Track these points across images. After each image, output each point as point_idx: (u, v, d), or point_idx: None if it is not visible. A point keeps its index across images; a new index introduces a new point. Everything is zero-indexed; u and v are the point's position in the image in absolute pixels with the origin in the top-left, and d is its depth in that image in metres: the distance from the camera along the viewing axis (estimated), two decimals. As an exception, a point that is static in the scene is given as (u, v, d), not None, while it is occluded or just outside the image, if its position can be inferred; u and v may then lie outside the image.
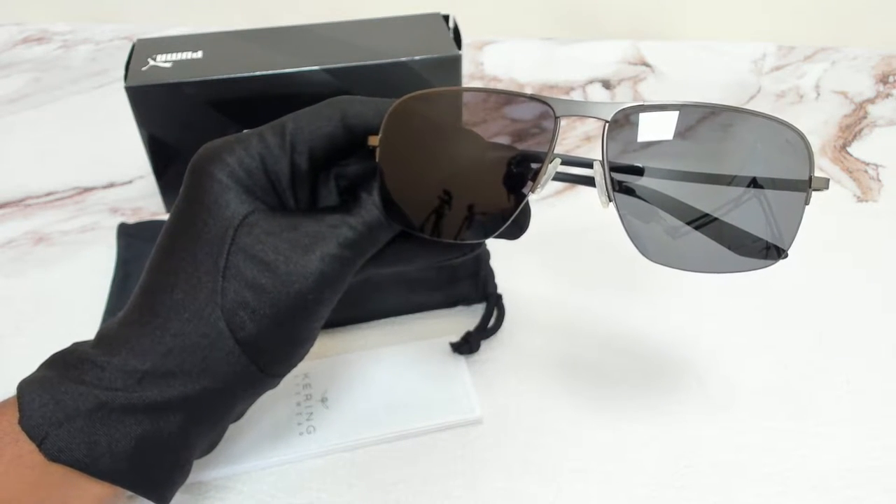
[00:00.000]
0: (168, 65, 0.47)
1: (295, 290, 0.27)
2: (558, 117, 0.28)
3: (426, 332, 0.43)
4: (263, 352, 0.28)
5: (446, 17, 0.52)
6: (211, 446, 0.31)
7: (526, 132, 0.29)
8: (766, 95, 0.66)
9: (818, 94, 0.66)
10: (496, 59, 0.72)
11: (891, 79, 0.68)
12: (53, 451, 0.26)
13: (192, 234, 0.28)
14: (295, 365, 0.30)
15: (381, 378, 0.39)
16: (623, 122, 0.28)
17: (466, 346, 0.40)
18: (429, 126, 0.30)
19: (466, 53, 0.71)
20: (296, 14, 0.78)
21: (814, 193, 0.28)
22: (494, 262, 0.45)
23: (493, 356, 0.41)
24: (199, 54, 0.48)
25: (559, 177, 0.31)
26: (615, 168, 0.28)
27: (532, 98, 0.28)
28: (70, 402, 0.26)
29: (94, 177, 0.57)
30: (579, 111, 0.28)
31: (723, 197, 0.29)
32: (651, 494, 0.34)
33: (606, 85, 0.68)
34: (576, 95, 0.66)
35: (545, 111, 0.28)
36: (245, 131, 0.30)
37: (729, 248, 0.29)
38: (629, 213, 0.29)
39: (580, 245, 0.48)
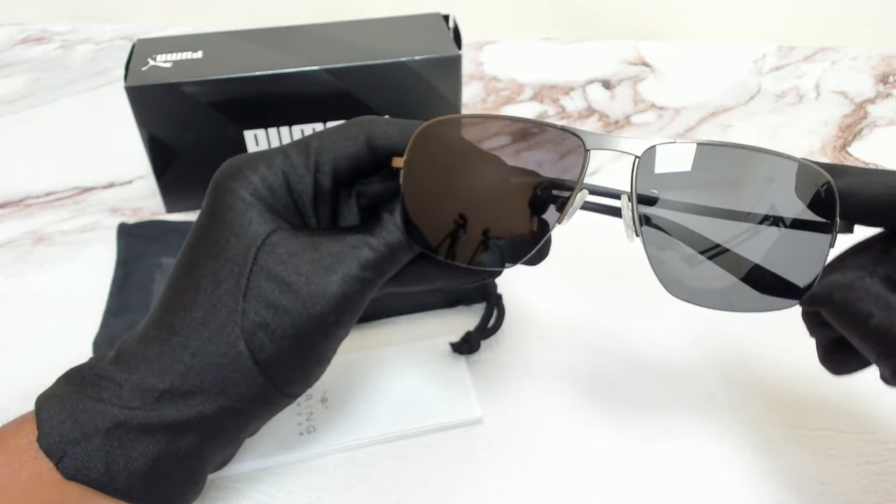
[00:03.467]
0: (168, 65, 0.47)
1: (316, 311, 0.27)
2: (588, 150, 0.28)
3: (426, 332, 0.43)
4: (282, 372, 0.28)
5: (446, 17, 0.52)
6: (224, 462, 0.31)
7: (554, 162, 0.29)
8: (766, 95, 0.66)
9: (818, 94, 0.66)
10: (496, 59, 0.72)
11: (891, 79, 0.68)
12: (70, 469, 0.26)
13: (213, 251, 0.28)
14: (311, 385, 0.30)
15: (381, 378, 0.39)
16: (653, 157, 0.28)
17: (466, 346, 0.40)
18: (454, 150, 0.30)
19: (466, 53, 0.71)
20: (296, 14, 0.78)
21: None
22: (494, 262, 0.45)
23: (493, 356, 0.41)
24: (199, 54, 0.48)
25: (585, 206, 0.31)
26: (643, 201, 0.28)
27: (563, 130, 0.28)
28: (88, 420, 0.26)
29: (94, 177, 0.57)
30: (610, 145, 0.28)
31: (749, 236, 0.29)
32: (651, 494, 0.34)
33: (606, 85, 0.68)
34: (576, 95, 0.66)
35: (575, 143, 0.28)
36: (268, 148, 0.30)
37: (753, 287, 0.29)
38: (655, 247, 0.29)
39: (580, 245, 0.48)
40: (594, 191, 0.30)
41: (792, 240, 0.28)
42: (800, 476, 0.35)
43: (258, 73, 0.46)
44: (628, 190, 0.28)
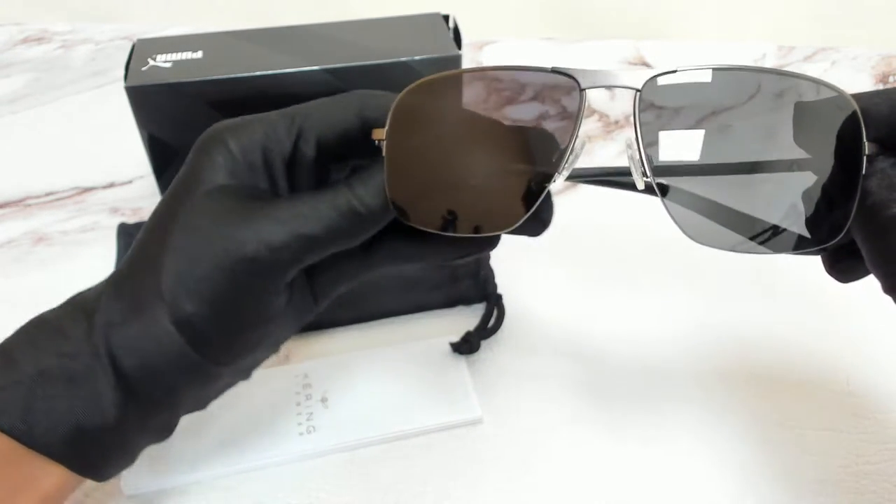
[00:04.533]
0: (168, 65, 0.47)
1: (232, 272, 0.26)
2: (584, 90, 0.26)
3: (426, 332, 0.43)
4: (205, 337, 0.27)
5: (446, 17, 0.52)
6: (165, 433, 0.31)
7: (549, 110, 0.27)
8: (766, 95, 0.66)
9: (818, 94, 0.66)
10: (496, 59, 0.72)
11: (891, 79, 0.68)
12: None
13: (171, 209, 0.28)
14: (245, 356, 0.29)
15: (381, 378, 0.39)
16: (656, 91, 0.26)
17: (466, 346, 0.40)
18: (440, 114, 0.28)
19: (466, 53, 0.71)
20: (296, 14, 0.78)
21: None
22: (494, 263, 0.45)
23: (493, 356, 0.41)
24: (199, 54, 0.48)
25: (589, 179, 0.28)
26: (650, 142, 0.26)
27: (554, 71, 0.26)
28: (19, 368, 0.27)
29: (94, 177, 0.57)
30: (606, 81, 0.26)
31: (773, 171, 0.26)
32: (650, 495, 0.34)
33: (606, 85, 0.68)
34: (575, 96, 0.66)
35: (569, 84, 0.26)
36: (255, 115, 0.29)
37: (780, 228, 0.26)
38: (669, 190, 0.26)
39: (580, 245, 0.48)
40: (582, 175, 0.28)
41: (820, 172, 0.26)
42: (800, 476, 0.35)
43: (258, 73, 0.46)
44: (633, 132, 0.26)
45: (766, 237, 0.27)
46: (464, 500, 0.34)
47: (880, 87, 0.67)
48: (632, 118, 0.25)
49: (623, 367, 0.40)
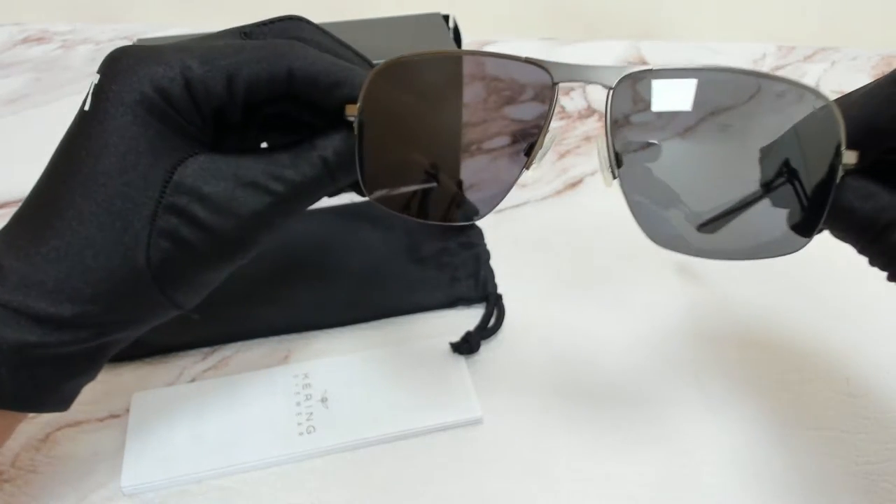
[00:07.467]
0: (168, 65, 0.47)
1: (225, 249, 0.27)
2: (556, 83, 0.26)
3: (426, 332, 0.43)
4: (183, 296, 0.28)
5: (446, 17, 0.52)
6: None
7: (522, 101, 0.27)
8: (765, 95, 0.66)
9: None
10: (496, 59, 0.72)
11: (891, 79, 0.68)
12: None
13: (109, 173, 0.26)
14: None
15: (381, 378, 0.39)
16: (631, 89, 0.25)
17: (466, 346, 0.40)
18: (413, 96, 0.28)
19: (466, 53, 0.71)
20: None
21: None
22: (494, 262, 0.45)
23: (493, 356, 0.41)
24: (199, 54, 0.48)
25: None
26: (619, 139, 0.26)
27: (528, 62, 0.26)
28: None
29: (94, 177, 0.56)
30: (579, 76, 0.26)
31: (744, 175, 0.25)
32: (651, 495, 0.34)
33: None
34: (576, 96, 0.66)
35: (542, 77, 0.26)
36: (161, 47, 0.27)
37: (749, 233, 0.26)
38: (635, 191, 0.26)
39: (580, 245, 0.48)
40: None
41: (795, 179, 0.25)
42: (800, 476, 0.35)
43: (258, 73, 0.46)
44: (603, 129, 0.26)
45: (733, 245, 0.26)
46: (464, 500, 0.34)
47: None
48: (604, 114, 0.25)
49: (623, 367, 0.40)
